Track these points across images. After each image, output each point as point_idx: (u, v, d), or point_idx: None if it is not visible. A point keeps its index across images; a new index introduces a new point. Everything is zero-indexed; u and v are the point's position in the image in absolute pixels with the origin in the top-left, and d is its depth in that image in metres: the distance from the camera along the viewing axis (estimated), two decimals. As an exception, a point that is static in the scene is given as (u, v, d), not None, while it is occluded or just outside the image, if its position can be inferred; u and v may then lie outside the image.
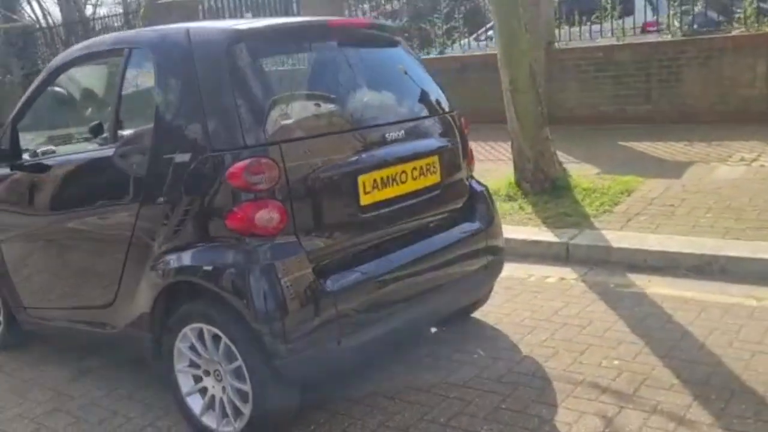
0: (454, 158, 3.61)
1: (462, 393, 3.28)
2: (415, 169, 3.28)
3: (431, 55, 11.07)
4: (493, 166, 7.56)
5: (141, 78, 3.21)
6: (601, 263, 4.90)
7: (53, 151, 3.68)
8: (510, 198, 6.24)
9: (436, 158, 3.41)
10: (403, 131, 3.26)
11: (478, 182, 3.90)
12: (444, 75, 4.48)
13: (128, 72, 3.26)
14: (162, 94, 3.04)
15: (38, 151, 3.72)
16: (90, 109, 3.84)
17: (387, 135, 3.18)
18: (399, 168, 3.20)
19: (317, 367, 2.92)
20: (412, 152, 3.28)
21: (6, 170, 3.82)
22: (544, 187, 6.17)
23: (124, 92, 3.27)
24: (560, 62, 9.31)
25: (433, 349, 3.78)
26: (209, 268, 2.85)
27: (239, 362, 2.84)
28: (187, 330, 2.98)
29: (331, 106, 3.17)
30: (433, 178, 3.39)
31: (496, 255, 3.77)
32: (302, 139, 2.92)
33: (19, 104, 3.78)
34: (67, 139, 3.82)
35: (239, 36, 2.94)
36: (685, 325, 3.79)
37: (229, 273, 2.80)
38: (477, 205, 3.73)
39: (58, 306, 3.72)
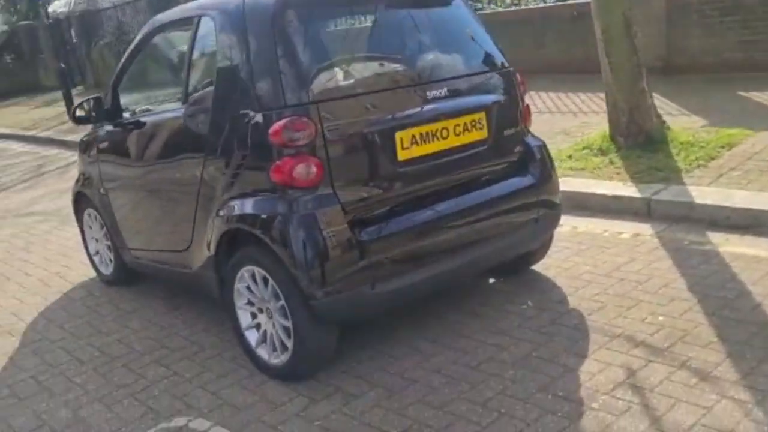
0: (506, 114, 3.68)
1: (499, 340, 3.44)
2: (458, 125, 3.40)
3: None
4: (588, 119, 7.40)
5: (207, 43, 3.54)
6: (683, 220, 4.78)
7: (147, 110, 4.14)
8: (602, 152, 6.14)
9: (483, 114, 3.51)
10: (446, 89, 3.38)
11: (535, 137, 3.95)
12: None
13: (198, 38, 3.61)
14: (220, 58, 3.36)
15: (134, 109, 4.21)
16: (173, 72, 4.25)
17: (428, 93, 3.32)
18: (440, 124, 3.34)
19: (352, 309, 3.18)
20: (454, 109, 3.40)
21: (110, 127, 4.35)
22: (638, 140, 6.00)
23: (194, 57, 3.63)
24: (681, 6, 8.79)
25: (486, 298, 3.94)
26: (255, 216, 3.18)
27: (282, 301, 3.16)
28: (243, 271, 3.33)
29: (372, 66, 3.34)
30: (480, 134, 3.51)
31: (549, 209, 3.83)
32: (340, 98, 3.13)
33: (117, 68, 4.27)
34: (157, 99, 4.26)
35: (285, 2, 3.17)
36: (747, 285, 3.70)
37: (270, 221, 3.11)
38: (530, 160, 3.80)
39: (150, 248, 4.22)
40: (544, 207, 3.80)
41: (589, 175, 5.76)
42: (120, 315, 4.38)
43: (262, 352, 3.38)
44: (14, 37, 24.20)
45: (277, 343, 3.29)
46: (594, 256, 4.37)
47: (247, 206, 3.21)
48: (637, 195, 5.14)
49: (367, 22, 3.43)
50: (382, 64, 3.37)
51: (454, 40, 3.67)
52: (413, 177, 3.30)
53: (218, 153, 3.35)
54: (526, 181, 3.73)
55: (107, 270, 4.87)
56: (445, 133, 3.36)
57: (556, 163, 6.01)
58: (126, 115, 4.27)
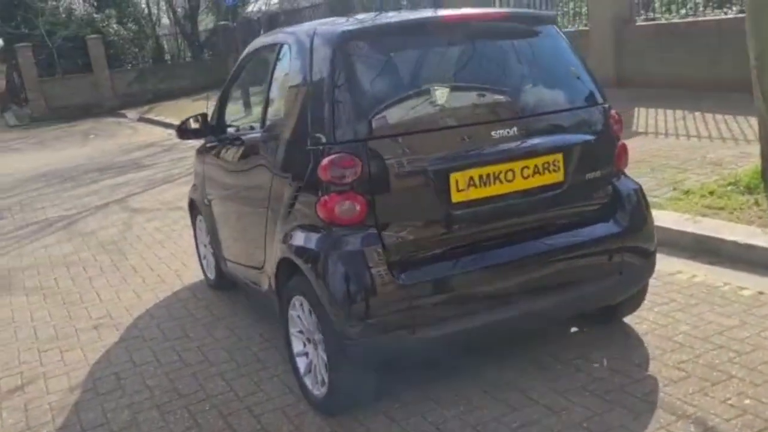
0: (593, 156, 3.38)
1: (553, 401, 3.17)
2: (526, 167, 3.18)
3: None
4: (752, 148, 6.63)
5: (283, 71, 3.59)
6: (826, 282, 4.14)
7: (244, 129, 4.30)
8: (749, 190, 5.47)
9: (560, 156, 3.25)
10: (515, 128, 3.16)
11: (629, 180, 3.59)
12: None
13: (277, 65, 3.68)
14: (290, 87, 3.39)
15: (238, 126, 4.39)
16: (261, 95, 4.37)
17: (494, 132, 3.13)
18: (504, 166, 3.13)
19: (390, 353, 3.08)
20: (523, 150, 3.17)
21: (215, 142, 4.57)
22: (793, 181, 5.29)
23: (273, 83, 3.70)
24: None
25: (561, 349, 3.66)
26: (301, 248, 3.17)
27: (321, 335, 3.14)
28: (295, 300, 3.35)
29: (433, 103, 3.20)
30: (554, 177, 3.25)
31: (638, 260, 3.47)
32: (391, 136, 3.03)
33: (224, 87, 4.47)
34: (254, 120, 4.41)
35: (346, 36, 3.13)
36: None
37: (311, 255, 3.09)
38: (619, 206, 3.45)
39: (238, 261, 4.38)
40: (631, 257, 3.45)
41: (727, 217, 5.16)
42: (210, 321, 4.60)
43: (308, 381, 3.38)
44: (213, 36, 26.35)
45: (319, 376, 3.27)
46: (700, 314, 3.90)
47: (297, 237, 3.22)
48: (774, 246, 4.53)
49: (437, 55, 3.30)
50: (444, 102, 3.21)
51: (537, 75, 3.43)
52: (469, 221, 3.13)
53: (282, 181, 3.40)
54: (609, 228, 3.41)
55: (211, 275, 5.13)
56: (510, 175, 3.15)
57: (695, 199, 5.54)
58: (231, 130, 4.46)
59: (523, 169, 3.17)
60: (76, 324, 4.84)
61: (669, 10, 10.90)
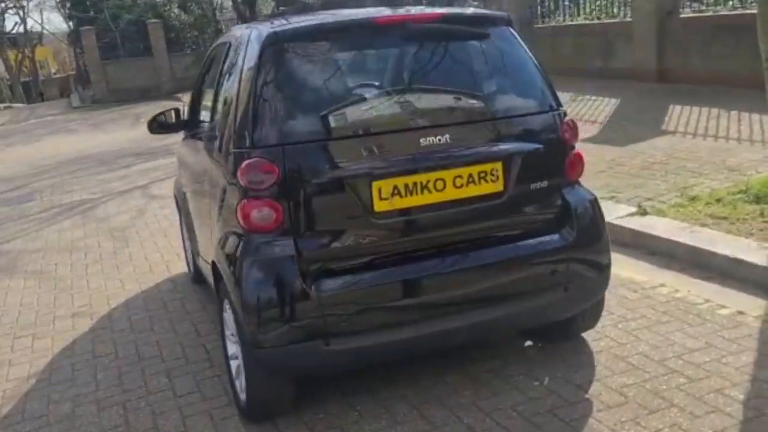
0: (538, 165, 3.21)
1: (478, 420, 3.04)
2: (459, 176, 3.04)
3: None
4: (765, 153, 6.23)
5: (226, 70, 3.55)
6: (813, 305, 3.85)
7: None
8: (757, 199, 5.14)
9: (498, 165, 3.10)
10: (447, 135, 3.03)
11: (583, 190, 3.40)
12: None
13: (224, 64, 3.63)
14: (225, 88, 3.35)
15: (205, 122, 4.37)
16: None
17: (422, 139, 3.00)
18: (432, 175, 3.00)
19: (303, 363, 3.00)
20: (454, 158, 3.03)
21: (189, 137, 4.58)
22: (804, 191, 4.94)
23: (220, 81, 3.66)
24: None
25: (504, 365, 3.51)
26: (222, 252, 3.13)
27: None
28: (224, 303, 3.32)
29: (356, 109, 3.08)
30: (492, 187, 3.10)
31: (587, 275, 3.30)
32: (311, 142, 2.94)
33: (196, 82, 4.47)
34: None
35: (273, 38, 3.04)
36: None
37: (229, 259, 3.04)
38: (568, 218, 3.27)
39: (202, 256, 4.38)
40: (580, 272, 3.27)
41: (727, 227, 4.85)
42: (179, 315, 4.62)
43: (237, 385, 3.35)
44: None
45: (241, 381, 3.24)
46: (666, 333, 3.67)
47: (222, 240, 3.18)
48: (763, 262, 4.23)
49: (369, 59, 3.19)
50: (370, 107, 3.10)
51: (481, 79, 3.27)
52: (394, 231, 3.02)
53: (218, 181, 3.36)
54: (554, 242, 3.23)
55: (192, 268, 5.16)
56: (440, 185, 3.02)
57: (700, 206, 5.24)
58: (204, 126, 4.45)
59: (455, 178, 3.03)
60: (57, 311, 4.95)
61: (717, 2, 10.34)
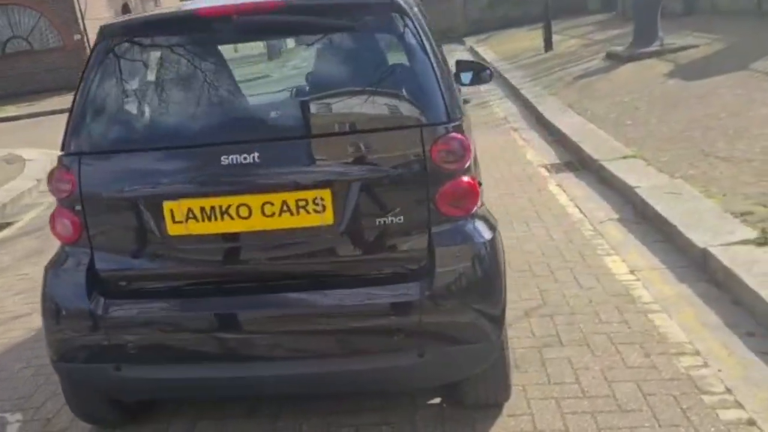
0: (390, 194, 2.56)
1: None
2: (269, 203, 2.52)
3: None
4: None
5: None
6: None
7: None
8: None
9: (326, 193, 2.50)
10: (256, 153, 2.50)
11: (475, 228, 2.61)
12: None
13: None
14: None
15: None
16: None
17: (223, 157, 2.51)
18: (235, 200, 2.54)
19: (98, 384, 2.83)
20: (260, 182, 2.54)
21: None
22: None
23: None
24: None
25: (382, 420, 2.91)
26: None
27: None
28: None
29: (157, 118, 2.75)
30: (318, 219, 2.53)
31: (451, 343, 2.55)
32: (106, 152, 2.72)
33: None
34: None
35: (106, 32, 2.80)
36: None
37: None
38: (432, 265, 2.56)
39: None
40: (439, 337, 2.53)
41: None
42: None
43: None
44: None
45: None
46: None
47: None
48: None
49: (190, 58, 2.80)
50: (172, 116, 2.73)
51: (321, 85, 2.82)
52: (190, 259, 2.64)
53: None
54: (402, 294, 2.55)
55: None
56: (244, 211, 2.54)
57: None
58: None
59: (264, 205, 2.52)
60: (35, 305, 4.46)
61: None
